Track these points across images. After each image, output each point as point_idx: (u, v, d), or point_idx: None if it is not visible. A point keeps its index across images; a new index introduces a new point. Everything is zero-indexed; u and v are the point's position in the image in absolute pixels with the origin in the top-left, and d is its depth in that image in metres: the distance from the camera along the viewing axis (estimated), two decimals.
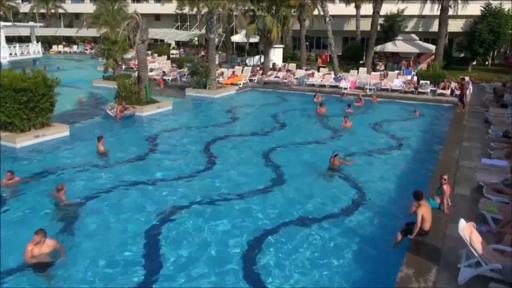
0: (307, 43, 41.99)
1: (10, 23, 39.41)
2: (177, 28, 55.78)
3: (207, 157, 14.41)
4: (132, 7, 61.18)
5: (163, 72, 30.92)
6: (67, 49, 57.09)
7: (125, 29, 21.06)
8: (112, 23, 36.66)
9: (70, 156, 14.21)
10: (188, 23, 57.32)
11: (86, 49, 56.06)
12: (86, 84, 28.79)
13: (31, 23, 45.26)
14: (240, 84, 27.69)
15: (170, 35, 47.93)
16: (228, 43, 42.21)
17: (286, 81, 28.27)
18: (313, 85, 27.80)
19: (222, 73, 30.10)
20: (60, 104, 21.15)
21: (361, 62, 39.83)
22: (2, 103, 14.53)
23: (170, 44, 51.82)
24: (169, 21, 62.97)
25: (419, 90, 25.33)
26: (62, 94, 25.60)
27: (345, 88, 26.45)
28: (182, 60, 35.27)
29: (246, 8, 28.16)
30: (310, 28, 37.74)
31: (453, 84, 25.81)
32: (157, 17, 66.50)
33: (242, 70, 31.44)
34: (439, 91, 25.06)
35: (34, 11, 63.55)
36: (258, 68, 32.80)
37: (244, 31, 35.10)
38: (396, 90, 25.98)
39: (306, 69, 33.36)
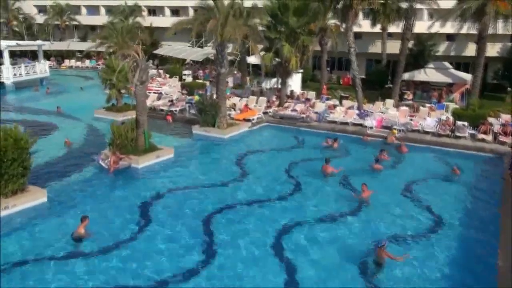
0: (328, 68, 39.05)
1: (14, 43, 37.68)
2: (193, 44, 53.54)
3: (203, 243, 11.73)
4: (148, 20, 59.85)
5: (171, 102, 28.46)
6: (79, 63, 55.46)
7: (124, 67, 18.57)
8: (121, 44, 34.67)
9: (41, 237, 11.74)
10: (204, 39, 55.09)
11: (98, 64, 54.25)
12: (87, 114, 26.55)
13: (38, 42, 43.54)
14: (253, 119, 25.00)
15: (185, 52, 45.66)
16: (244, 64, 39.66)
17: (304, 116, 25.45)
18: (334, 122, 24.92)
19: (234, 105, 27.48)
20: (47, 148, 19.37)
21: (386, 86, 36.81)
22: None
23: (184, 62, 49.50)
24: (185, 35, 60.83)
25: (456, 133, 22.22)
26: (59, 127, 24.14)
27: (371, 127, 23.50)
28: (193, 87, 32.75)
29: (261, 38, 25.42)
30: (333, 50, 34.94)
31: (495, 125, 22.69)
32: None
33: (257, 100, 28.76)
34: (479, 135, 21.90)
35: (49, 22, 62.36)
36: (274, 98, 30.07)
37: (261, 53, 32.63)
38: (429, 132, 22.93)
39: (327, 99, 30.55)
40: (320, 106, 27.39)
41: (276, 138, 23.42)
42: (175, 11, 65.51)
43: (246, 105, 26.84)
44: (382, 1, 28.24)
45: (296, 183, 16.30)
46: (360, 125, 24.17)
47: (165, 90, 34.14)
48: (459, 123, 22.78)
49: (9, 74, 35.32)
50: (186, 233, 12.22)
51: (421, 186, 16.24)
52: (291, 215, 13.48)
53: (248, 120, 24.79)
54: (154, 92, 32.55)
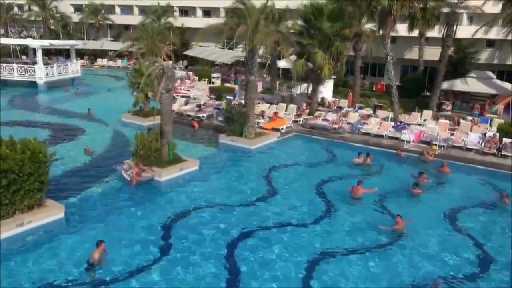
0: (361, 75, 37.27)
1: (47, 43, 37.74)
2: (223, 45, 52.62)
3: (227, 273, 10.63)
4: (179, 21, 59.44)
5: (198, 106, 27.57)
6: (111, 63, 55.59)
7: (150, 75, 17.68)
8: (151, 47, 34.11)
9: (53, 260, 10.91)
10: (234, 41, 54.17)
11: (130, 64, 54.18)
12: (114, 117, 25.96)
13: (71, 42, 43.64)
14: (282, 129, 23.76)
15: (215, 54, 44.78)
16: (274, 68, 38.49)
17: (336, 126, 24.01)
18: (368, 133, 23.38)
19: (263, 112, 26.31)
20: (70, 155, 18.78)
21: (422, 94, 34.85)
22: None
23: (213, 64, 48.68)
24: (216, 35, 60.05)
25: (503, 152, 20.31)
26: (85, 131, 23.23)
27: (408, 142, 21.84)
28: (221, 91, 31.75)
29: (292, 45, 24.07)
30: (368, 56, 33.25)
31: None
32: None
33: (287, 108, 27.49)
34: None
35: (84, 21, 62.89)
36: (304, 106, 28.72)
37: (291, 57, 31.36)
38: (471, 149, 21.11)
39: (360, 107, 28.97)
40: (353, 116, 25.84)
41: (306, 150, 22.08)
42: (207, 12, 64.95)
43: (276, 113, 25.60)
44: (422, 6, 26.27)
45: (328, 205, 14.96)
46: (396, 138, 22.54)
47: (193, 94, 33.37)
48: (506, 140, 20.84)
49: (42, 74, 35.35)
50: (208, 261, 11.14)
51: (465, 214, 14.63)
52: (323, 243, 12.22)
53: (277, 130, 23.56)
54: (182, 96, 31.83)
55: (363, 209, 14.64)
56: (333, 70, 26.30)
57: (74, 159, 18.24)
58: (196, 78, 41.51)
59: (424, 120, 26.19)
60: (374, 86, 39.39)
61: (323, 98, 30.57)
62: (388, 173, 18.62)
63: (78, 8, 71.14)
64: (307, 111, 27.38)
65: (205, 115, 26.19)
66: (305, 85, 35.03)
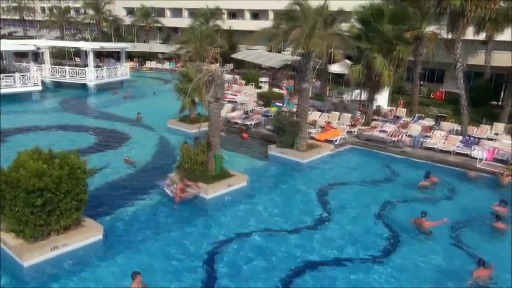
0: (421, 82, 34.30)
1: (98, 46, 37.64)
2: (271, 48, 50.98)
3: None
4: (227, 23, 58.48)
5: (246, 113, 26.03)
6: (159, 65, 55.45)
7: (198, 81, 16.28)
8: (199, 50, 33.10)
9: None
10: (283, 43, 52.34)
11: (177, 67, 53.76)
12: (160, 123, 24.95)
13: (121, 44, 43.53)
14: (336, 140, 21.71)
15: (263, 57, 43.16)
16: (324, 72, 36.30)
17: (396, 140, 21.66)
18: (432, 148, 20.86)
19: (315, 122, 24.34)
20: (112, 165, 17.70)
21: (490, 104, 31.55)
22: (8, 206, 10.44)
23: (259, 67, 47.10)
24: (263, 38, 58.65)
25: None
26: (131, 138, 22.02)
27: (480, 160, 19.16)
28: (269, 97, 30.04)
29: (352, 49, 21.94)
30: (430, 61, 30.36)
31: None
32: (252, 33, 62.71)
33: (340, 117, 25.38)
34: None
35: (135, 24, 63.35)
36: (359, 115, 26.47)
37: (344, 61, 29.19)
38: None
39: (420, 118, 26.34)
40: (414, 128, 23.33)
41: (362, 166, 19.91)
42: (255, 15, 63.69)
43: (329, 123, 23.58)
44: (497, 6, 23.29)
45: (392, 238, 12.85)
46: (466, 155, 19.89)
47: (240, 99, 31.92)
48: None
49: (92, 76, 35.20)
50: None
51: None
52: None
53: (330, 141, 21.54)
54: (229, 101, 30.46)
55: (434, 247, 12.35)
56: (393, 77, 23.83)
57: (114, 170, 17.12)
58: (243, 82, 40.03)
59: (496, 134, 23.24)
60: (432, 94, 36.28)
61: (378, 107, 28.14)
62: (459, 198, 16.15)
63: (130, 11, 72.08)
64: (362, 120, 25.13)
65: (252, 122, 24.58)
66: (357, 91, 32.68)
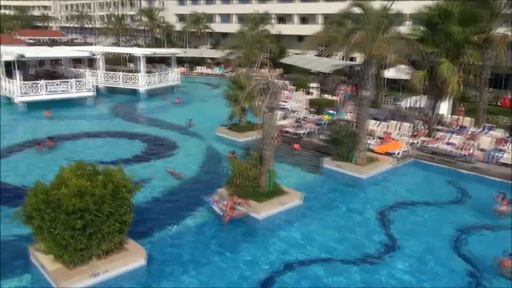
0: (489, 88, 30.98)
1: (150, 52, 37.36)
2: (321, 53, 48.97)
3: None
4: (276, 28, 57.04)
5: (298, 122, 24.33)
6: (209, 70, 54.92)
7: (252, 91, 14.84)
8: (249, 55, 31.84)
9: None
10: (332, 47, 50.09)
11: (226, 72, 52.98)
12: (209, 131, 23.79)
13: (172, 50, 43.22)
14: (397, 153, 19.51)
15: (313, 62, 41.27)
16: (378, 79, 33.83)
17: (466, 154, 19.12)
18: (508, 165, 18.15)
19: (372, 132, 22.20)
20: (156, 177, 16.45)
21: None
22: (47, 228, 9.41)
23: (309, 72, 45.19)
24: (314, 42, 56.64)
25: None
26: (179, 147, 20.76)
27: None
28: (322, 104, 28.10)
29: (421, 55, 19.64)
30: (501, 65, 27.26)
31: None
32: (300, 38, 60.99)
33: (399, 127, 23.07)
34: None
35: (186, 30, 63.43)
36: (420, 124, 23.97)
37: (400, 66, 26.76)
38: None
39: (490, 128, 23.44)
40: (486, 141, 20.63)
41: (427, 183, 17.64)
42: (304, 19, 61.86)
43: (388, 134, 21.39)
44: None
45: (469, 273, 10.70)
46: None
47: (291, 106, 30.25)
48: None
49: (144, 82, 34.89)
50: None
51: None
52: None
53: (391, 154, 19.38)
54: (279, 107, 28.83)
55: None
56: (463, 85, 21.23)
57: (159, 183, 15.97)
58: (293, 88, 38.30)
59: None
60: (499, 101, 32.79)
61: (440, 115, 25.45)
62: None
63: (181, 18, 72.55)
64: (424, 131, 22.66)
65: (305, 132, 22.83)
66: (414, 98, 30.04)
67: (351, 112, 27.66)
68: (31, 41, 72.10)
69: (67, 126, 24.94)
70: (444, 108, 26.57)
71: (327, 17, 56.53)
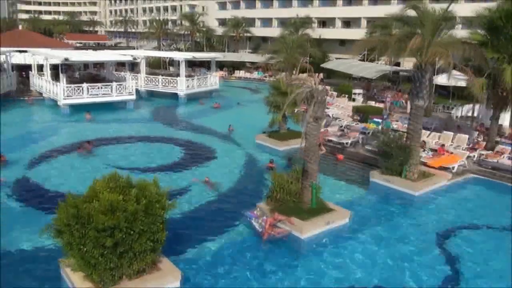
0: None
1: (190, 56, 37.08)
2: (364, 57, 47.13)
3: None
4: (317, 32, 55.68)
5: (342, 130, 22.97)
6: (248, 74, 54.30)
7: (296, 99, 13.76)
8: (290, 60, 30.79)
9: None
10: (375, 52, 48.13)
11: (265, 76, 52.16)
12: (248, 138, 22.92)
13: (212, 54, 42.87)
14: (453, 168, 17.76)
15: (356, 67, 39.60)
16: (429, 85, 31.77)
17: None
18: None
19: (424, 143, 20.48)
20: (192, 188, 15.43)
21: None
22: (76, 245, 8.73)
23: (350, 77, 43.45)
24: (361, 48, 54.81)
25: None
26: (217, 154, 19.91)
27: None
28: (367, 112, 26.50)
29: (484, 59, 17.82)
30: None
31: None
32: (342, 42, 59.26)
33: (453, 138, 21.21)
34: None
35: (227, 34, 63.26)
36: (476, 135, 21.97)
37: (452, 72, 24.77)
38: None
39: None
40: None
41: (490, 203, 15.80)
42: (347, 23, 60.10)
43: (442, 146, 19.63)
44: None
45: None
46: None
47: (333, 113, 28.86)
48: None
49: (183, 86, 34.60)
50: None
51: None
52: None
53: (446, 169, 17.66)
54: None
55: None
56: None
57: (195, 194, 15.14)
58: (335, 93, 36.82)
59: None
60: None
61: (499, 126, 23.26)
62: None
63: (221, 22, 72.65)
64: (483, 143, 20.69)
65: (349, 141, 21.43)
66: (467, 106, 27.86)
67: (397, 121, 26.03)
68: (79, 44, 74.63)
69: (107, 129, 24.83)
70: (504, 118, 24.35)
71: (370, 20, 54.63)
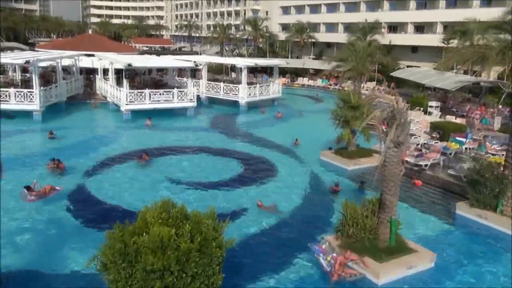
0: None
1: (253, 63, 36.12)
2: (439, 67, 43.58)
3: None
4: (387, 38, 52.72)
5: (419, 149, 20.66)
6: (311, 82, 52.58)
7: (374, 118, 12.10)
8: (360, 70, 28.74)
9: None
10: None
11: (330, 84, 50.19)
12: (311, 153, 21.40)
13: (275, 61, 41.74)
14: None
15: (432, 77, 36.52)
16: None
17: None
18: None
19: None
20: (249, 213, 13.66)
21: None
22: (121, 284, 7.75)
23: (423, 88, 40.29)
24: (428, 54, 51.28)
25: None
26: (278, 172, 18.57)
27: None
28: (448, 129, 23.78)
29: None
30: None
31: None
32: (414, 48, 55.77)
33: None
34: None
35: (290, 39, 62.04)
36: None
37: None
38: None
39: None
40: None
41: None
42: (419, 28, 56.42)
43: None
44: None
45: None
46: None
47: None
48: None
49: (244, 94, 33.77)
50: None
51: None
52: None
53: None
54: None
55: None
56: None
57: (254, 218, 13.86)
58: (407, 106, 34.00)
59: None
60: None
61: None
62: None
63: (285, 27, 71.64)
64: None
65: (428, 163, 19.11)
66: None
67: (482, 140, 23.15)
68: (145, 48, 77.21)
69: (166, 137, 24.50)
70: None
71: (446, 26, 50.72)
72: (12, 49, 52.10)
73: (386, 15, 57.35)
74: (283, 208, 14.81)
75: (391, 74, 44.28)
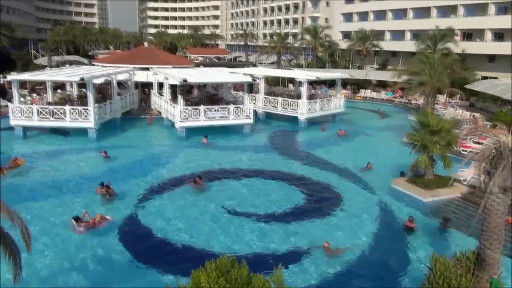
0: None
1: (314, 77, 34.53)
2: None
3: None
4: (460, 46, 49.24)
5: None
6: (374, 94, 50.19)
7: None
8: (434, 84, 26.55)
9: None
10: None
11: (395, 97, 47.59)
12: (381, 181, 19.65)
13: (337, 74, 40.01)
14: None
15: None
16: None
17: None
18: None
19: None
20: (311, 255, 11.95)
21: None
22: None
23: (502, 102, 36.69)
24: (508, 63, 47.19)
25: None
26: (343, 200, 17.36)
27: None
28: None
29: None
30: None
31: None
32: (492, 57, 51.66)
33: None
34: None
35: (352, 48, 59.99)
36: None
37: None
38: None
39: None
40: None
41: None
42: (499, 35, 52.14)
43: None
44: None
45: None
46: None
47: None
48: None
49: (304, 109, 32.47)
50: None
51: None
52: None
53: None
54: (470, 152, 22.75)
55: None
56: None
57: (318, 262, 12.47)
58: (487, 124, 31.03)
59: None
60: None
61: None
62: None
63: (346, 35, 69.61)
64: None
65: None
66: None
67: None
68: (200, 58, 78.40)
69: (221, 158, 23.80)
70: None
71: None
72: (71, 62, 54.67)
73: (460, 21, 53.76)
74: (354, 250, 13.33)
75: (466, 86, 41.04)
